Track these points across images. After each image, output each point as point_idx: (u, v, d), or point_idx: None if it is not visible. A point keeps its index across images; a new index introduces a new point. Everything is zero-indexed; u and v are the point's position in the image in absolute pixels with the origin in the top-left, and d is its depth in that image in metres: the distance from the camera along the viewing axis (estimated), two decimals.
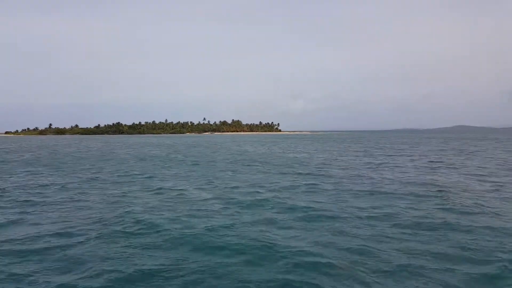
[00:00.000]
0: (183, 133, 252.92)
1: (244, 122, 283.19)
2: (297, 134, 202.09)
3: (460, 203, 10.93)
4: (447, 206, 10.58)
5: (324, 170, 20.48)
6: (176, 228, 8.37)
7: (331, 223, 8.85)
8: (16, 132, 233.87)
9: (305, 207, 10.60)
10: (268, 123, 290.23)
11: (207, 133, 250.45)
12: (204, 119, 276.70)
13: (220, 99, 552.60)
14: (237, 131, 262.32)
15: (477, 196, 12.22)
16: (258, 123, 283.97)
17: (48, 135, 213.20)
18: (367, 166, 22.92)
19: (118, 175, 19.23)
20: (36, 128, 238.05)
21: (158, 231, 8.16)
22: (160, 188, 14.53)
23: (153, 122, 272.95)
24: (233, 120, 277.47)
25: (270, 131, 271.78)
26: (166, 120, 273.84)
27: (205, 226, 8.46)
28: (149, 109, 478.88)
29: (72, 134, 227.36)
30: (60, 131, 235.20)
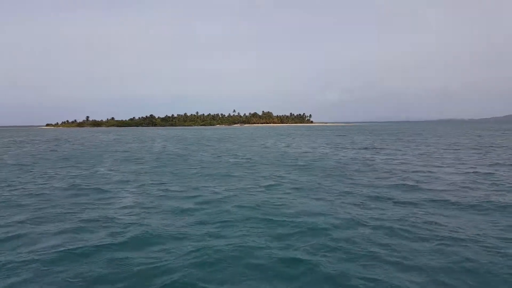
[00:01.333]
0: (213, 125, 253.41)
1: (275, 114, 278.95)
2: (327, 126, 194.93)
3: None
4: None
5: (297, 170, 16.36)
6: None
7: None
8: (56, 124, 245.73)
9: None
10: (299, 114, 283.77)
11: (236, 125, 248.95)
12: (234, 110, 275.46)
13: (253, 91, 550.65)
14: (267, 123, 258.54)
15: None
16: (289, 114, 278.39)
17: (85, 127, 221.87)
18: (354, 163, 18.43)
19: (65, 178, 16.36)
20: (75, 120, 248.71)
21: None
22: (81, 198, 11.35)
23: (185, 114, 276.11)
24: (263, 111, 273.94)
25: (301, 123, 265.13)
26: (197, 113, 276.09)
27: None
28: (183, 102, 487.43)
29: (108, 126, 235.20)
30: (96, 123, 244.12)
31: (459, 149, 28.66)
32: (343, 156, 24.34)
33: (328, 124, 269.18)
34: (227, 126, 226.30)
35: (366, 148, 31.49)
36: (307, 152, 28.68)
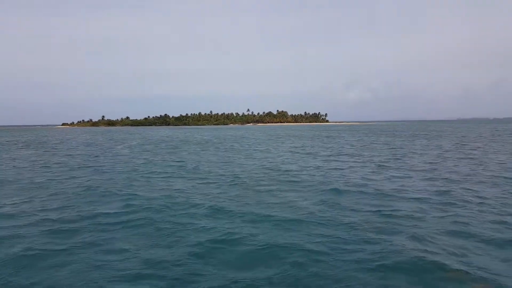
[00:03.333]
0: (226, 124, 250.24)
1: (291, 113, 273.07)
2: (338, 125, 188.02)
3: None
4: None
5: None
6: None
7: None
8: (72, 123, 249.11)
9: None
10: (315, 113, 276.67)
11: (249, 124, 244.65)
12: (248, 110, 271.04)
13: (271, 90, 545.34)
14: (281, 122, 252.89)
15: None
16: (303, 113, 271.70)
17: (100, 127, 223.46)
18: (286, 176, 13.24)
19: None
20: (90, 120, 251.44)
21: None
22: None
23: (199, 113, 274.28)
24: (277, 111, 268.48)
25: (316, 122, 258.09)
26: (211, 112, 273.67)
27: None
28: (196, 102, 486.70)
29: (122, 126, 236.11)
30: (111, 123, 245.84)
31: None
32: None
33: (343, 123, 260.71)
34: (239, 125, 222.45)
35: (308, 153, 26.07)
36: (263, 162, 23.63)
